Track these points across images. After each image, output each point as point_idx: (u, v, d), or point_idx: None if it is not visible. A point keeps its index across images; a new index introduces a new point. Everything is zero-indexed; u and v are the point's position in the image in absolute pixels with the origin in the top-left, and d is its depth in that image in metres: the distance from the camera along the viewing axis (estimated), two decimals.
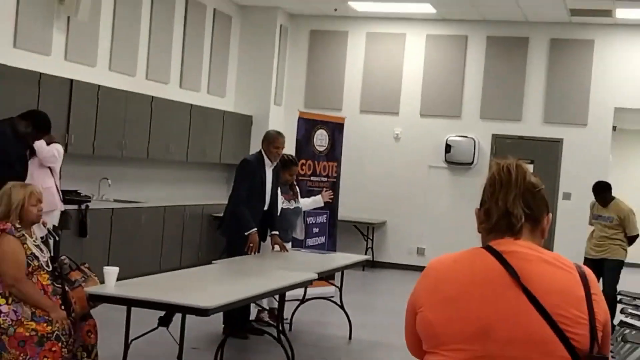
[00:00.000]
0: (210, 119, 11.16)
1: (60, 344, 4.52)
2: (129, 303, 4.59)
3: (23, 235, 4.73)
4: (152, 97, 9.86)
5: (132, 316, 4.64)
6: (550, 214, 2.20)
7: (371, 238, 12.29)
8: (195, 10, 11.10)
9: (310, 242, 9.34)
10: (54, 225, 6.26)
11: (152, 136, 9.83)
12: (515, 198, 2.14)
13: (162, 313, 4.62)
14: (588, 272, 2.11)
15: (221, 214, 7.93)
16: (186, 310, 4.49)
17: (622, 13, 10.78)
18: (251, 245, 6.80)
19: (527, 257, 2.08)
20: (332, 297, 7.80)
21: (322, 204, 8.57)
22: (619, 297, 8.23)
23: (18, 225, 4.74)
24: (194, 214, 10.41)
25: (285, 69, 12.72)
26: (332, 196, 8.82)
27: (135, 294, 4.64)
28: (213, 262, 6.50)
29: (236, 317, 6.59)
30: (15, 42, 7.94)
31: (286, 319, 7.00)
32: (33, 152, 6.55)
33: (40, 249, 4.86)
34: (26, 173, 6.14)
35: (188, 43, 11.00)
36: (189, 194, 11.22)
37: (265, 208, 7.07)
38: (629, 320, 6.87)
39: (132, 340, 4.65)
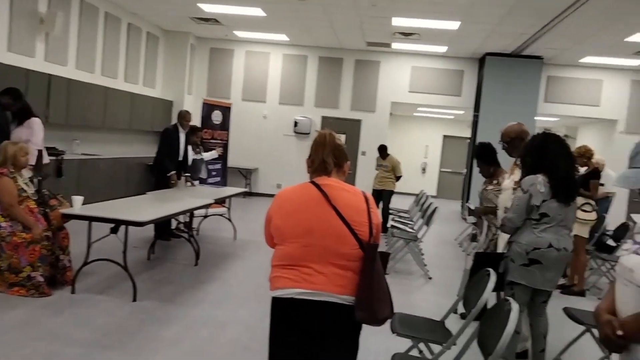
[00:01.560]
0: (145, 102, 10.55)
1: (39, 246, 4.27)
2: (90, 219, 4.38)
3: (15, 176, 4.38)
4: (106, 87, 9.20)
5: (92, 228, 4.43)
6: (349, 162, 2.28)
7: (249, 178, 12.20)
8: (134, 32, 10.38)
9: (210, 180, 9.17)
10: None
11: (107, 112, 9.17)
12: (328, 153, 2.21)
13: (113, 225, 4.42)
14: (369, 195, 2.21)
15: (152, 163, 7.60)
16: (128, 223, 4.34)
17: (396, 46, 11.08)
18: (172, 182, 6.62)
19: (334, 187, 2.15)
20: (225, 214, 7.73)
21: (217, 156, 8.44)
22: (390, 211, 8.70)
23: (12, 170, 4.40)
24: (134, 162, 9.86)
25: (194, 72, 12.20)
26: (222, 152, 8.71)
27: (94, 213, 4.42)
28: (147, 193, 6.27)
29: (162, 227, 6.41)
30: (9, 47, 7.17)
31: (194, 228, 6.91)
32: (21, 122, 5.43)
33: (27, 185, 4.52)
34: (9, 134, 5.24)
35: (130, 53, 10.29)
36: (131, 150, 10.62)
37: (180, 159, 6.86)
38: (395, 224, 7.26)
39: (92, 242, 4.45)
